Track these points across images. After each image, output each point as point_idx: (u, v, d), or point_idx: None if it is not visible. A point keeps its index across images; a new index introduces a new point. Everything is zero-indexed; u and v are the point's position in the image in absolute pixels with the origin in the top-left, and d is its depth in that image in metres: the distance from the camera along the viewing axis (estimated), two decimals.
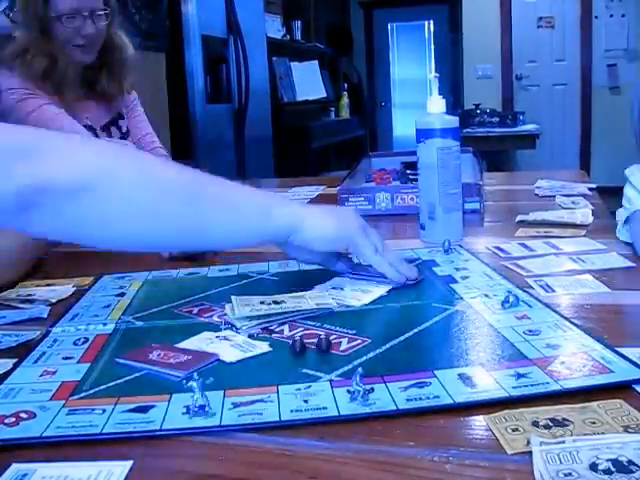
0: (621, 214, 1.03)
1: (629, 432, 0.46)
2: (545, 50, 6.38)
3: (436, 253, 1.00)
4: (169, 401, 0.55)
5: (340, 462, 0.46)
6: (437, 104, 1.05)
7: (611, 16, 6.11)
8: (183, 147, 3.15)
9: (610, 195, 1.49)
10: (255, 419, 0.51)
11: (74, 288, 0.93)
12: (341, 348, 0.65)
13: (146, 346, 0.67)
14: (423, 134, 1.05)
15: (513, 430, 0.48)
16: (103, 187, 0.67)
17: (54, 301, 0.87)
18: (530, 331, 0.66)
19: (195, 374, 0.56)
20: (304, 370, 0.60)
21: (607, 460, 0.42)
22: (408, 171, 1.55)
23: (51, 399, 0.57)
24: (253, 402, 0.54)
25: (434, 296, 0.81)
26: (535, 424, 0.48)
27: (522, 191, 1.56)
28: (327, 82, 5.61)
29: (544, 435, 0.46)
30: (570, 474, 0.41)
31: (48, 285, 0.95)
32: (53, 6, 1.42)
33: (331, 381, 0.57)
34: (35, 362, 0.66)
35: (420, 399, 0.53)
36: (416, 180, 1.13)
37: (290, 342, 0.66)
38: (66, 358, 0.66)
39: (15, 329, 0.76)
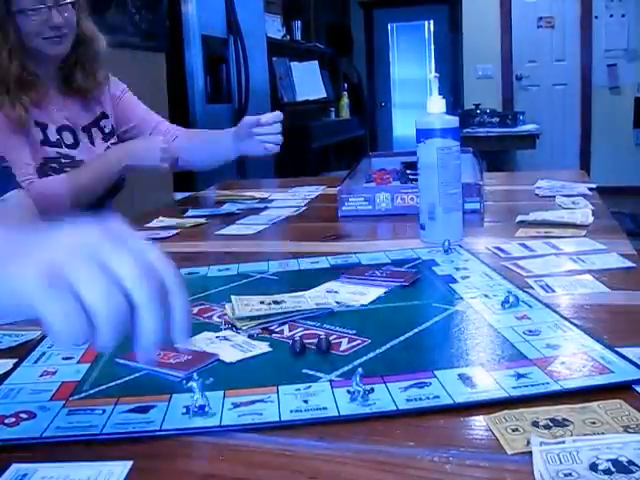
0: None
1: (629, 432, 0.46)
2: (545, 50, 6.38)
3: (436, 253, 1.00)
4: (169, 401, 0.55)
5: (340, 462, 0.46)
6: (437, 104, 1.05)
7: (611, 16, 6.11)
8: None
9: (610, 195, 1.49)
10: (255, 419, 0.51)
11: None
12: (341, 348, 0.65)
13: None
14: (423, 134, 1.05)
15: (513, 430, 0.48)
16: None
17: None
18: (530, 331, 0.66)
19: (195, 374, 0.56)
20: (304, 370, 0.60)
21: (607, 460, 0.42)
22: (408, 171, 1.55)
23: (51, 399, 0.57)
24: (253, 402, 0.54)
25: (434, 296, 0.81)
26: (535, 424, 0.48)
27: (522, 191, 1.56)
28: (327, 82, 5.61)
29: (544, 435, 0.46)
30: (570, 474, 0.41)
31: None
32: (15, 0, 1.36)
33: (331, 381, 0.57)
34: (35, 362, 0.66)
35: (420, 399, 0.53)
36: (416, 180, 1.13)
37: (290, 342, 0.66)
38: (66, 358, 0.66)
39: (15, 329, 0.76)
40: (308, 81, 5.13)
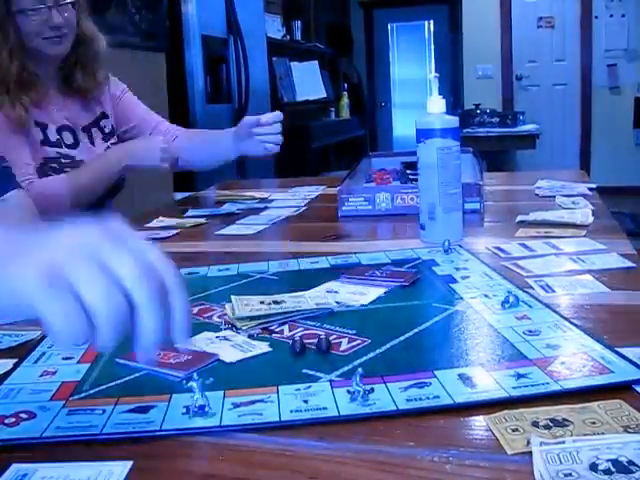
0: None
1: (629, 432, 0.46)
2: (545, 50, 6.38)
3: (436, 253, 1.00)
4: (169, 401, 0.55)
5: (340, 462, 0.46)
6: (437, 104, 1.05)
7: (611, 16, 6.11)
8: None
9: (610, 195, 1.49)
10: (255, 419, 0.51)
11: None
12: (341, 348, 0.65)
13: None
14: (423, 134, 1.05)
15: (513, 430, 0.48)
16: None
17: None
18: (530, 331, 0.66)
19: (195, 374, 0.56)
20: (304, 370, 0.60)
21: (607, 460, 0.42)
22: (408, 171, 1.55)
23: (51, 399, 0.57)
24: (253, 402, 0.54)
25: (434, 296, 0.81)
26: (535, 424, 0.48)
27: (522, 191, 1.56)
28: (327, 82, 5.61)
29: (544, 435, 0.46)
30: (570, 474, 0.41)
31: None
32: (15, 0, 1.35)
33: (331, 381, 0.57)
34: (35, 362, 0.66)
35: (420, 399, 0.53)
36: (416, 180, 1.13)
37: (290, 342, 0.66)
38: (66, 358, 0.66)
39: (15, 329, 0.76)
40: (308, 81, 5.13)
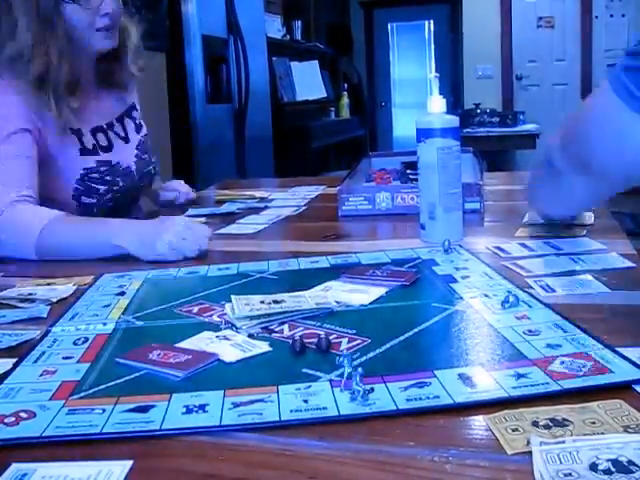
0: None
1: (629, 432, 0.46)
2: (545, 50, 6.38)
3: (436, 253, 1.00)
4: (169, 401, 0.55)
5: (340, 462, 0.46)
6: (437, 104, 1.05)
7: (611, 16, 6.12)
8: (183, 147, 3.16)
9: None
10: (255, 419, 0.51)
11: (74, 287, 0.93)
12: (341, 348, 0.65)
13: (146, 346, 0.67)
14: (423, 134, 1.05)
15: (513, 430, 0.48)
16: None
17: (54, 300, 0.87)
18: (530, 331, 0.66)
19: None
20: (304, 370, 0.60)
21: (607, 460, 0.42)
22: (408, 171, 1.55)
23: (51, 399, 0.57)
24: (253, 402, 0.54)
25: (434, 296, 0.81)
26: (535, 424, 0.48)
27: (522, 191, 1.55)
28: (327, 82, 5.61)
29: (544, 435, 0.46)
30: (570, 474, 0.41)
31: (48, 284, 0.95)
32: None
33: (331, 381, 0.57)
34: (35, 362, 0.66)
35: (420, 399, 0.53)
36: (416, 180, 1.13)
37: (290, 342, 0.66)
38: (66, 358, 0.66)
39: (15, 329, 0.76)
40: (308, 81, 5.13)
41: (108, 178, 1.35)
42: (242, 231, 1.27)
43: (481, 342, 0.65)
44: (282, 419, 0.51)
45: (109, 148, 1.38)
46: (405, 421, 0.51)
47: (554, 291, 0.80)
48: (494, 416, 0.50)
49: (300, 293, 0.81)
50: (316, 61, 5.44)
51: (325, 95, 5.44)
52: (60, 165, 1.29)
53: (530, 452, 0.44)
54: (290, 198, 1.63)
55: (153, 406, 0.54)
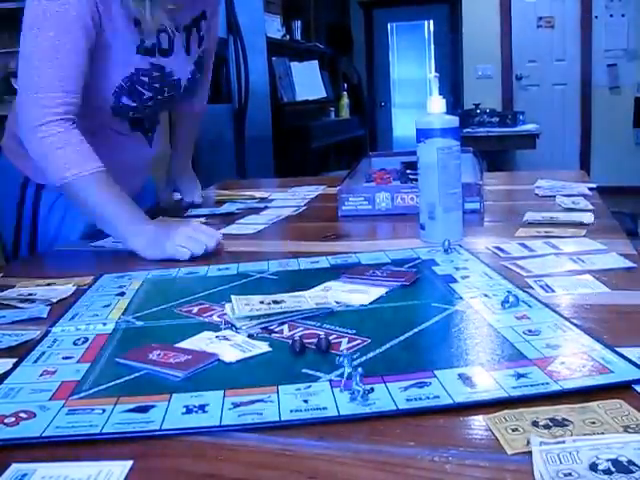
0: None
1: (629, 432, 0.46)
2: (545, 50, 6.38)
3: (436, 253, 1.00)
4: (169, 401, 0.55)
5: (339, 462, 0.46)
6: (437, 104, 1.05)
7: (611, 16, 6.12)
8: None
9: (610, 195, 1.49)
10: (255, 419, 0.51)
11: (74, 287, 0.93)
12: (341, 348, 0.65)
13: (146, 346, 0.67)
14: (423, 134, 1.05)
15: (513, 430, 0.48)
16: None
17: (54, 301, 0.87)
18: (530, 331, 0.66)
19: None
20: (304, 370, 0.60)
21: (607, 460, 0.42)
22: (408, 171, 1.55)
23: (51, 399, 0.57)
24: (253, 402, 0.54)
25: (434, 296, 0.81)
26: (535, 424, 0.48)
27: (522, 191, 1.56)
28: (327, 82, 5.61)
29: (544, 435, 0.46)
30: (570, 474, 0.41)
31: (48, 285, 0.95)
32: None
33: (331, 381, 0.57)
34: (35, 362, 0.66)
35: (420, 399, 0.53)
36: (416, 180, 1.13)
37: (290, 342, 0.66)
38: (66, 358, 0.66)
39: (15, 329, 0.76)
40: (308, 81, 5.13)
41: (156, 85, 1.26)
42: (242, 231, 1.27)
43: (481, 342, 0.65)
44: (282, 419, 0.51)
45: (168, 52, 1.27)
46: (405, 421, 0.51)
47: (554, 291, 0.80)
48: (494, 416, 0.50)
49: (300, 293, 0.81)
50: (316, 61, 5.44)
51: (325, 95, 5.44)
52: (112, 57, 1.18)
53: (530, 452, 0.44)
54: (290, 198, 1.63)
55: (153, 406, 0.54)
